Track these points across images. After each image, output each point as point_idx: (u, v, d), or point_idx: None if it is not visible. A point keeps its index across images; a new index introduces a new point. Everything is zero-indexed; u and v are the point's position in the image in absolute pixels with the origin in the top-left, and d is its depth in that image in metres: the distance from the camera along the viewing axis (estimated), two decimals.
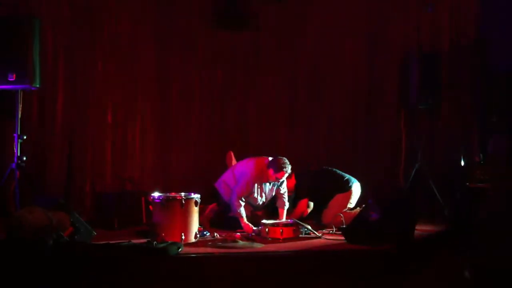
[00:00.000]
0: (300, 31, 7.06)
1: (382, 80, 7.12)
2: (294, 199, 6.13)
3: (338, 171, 6.13)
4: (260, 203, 5.80)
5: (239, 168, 5.83)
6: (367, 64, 7.13)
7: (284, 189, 5.80)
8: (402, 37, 7.05)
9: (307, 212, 6.05)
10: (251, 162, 5.76)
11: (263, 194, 5.74)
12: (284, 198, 5.80)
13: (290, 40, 7.05)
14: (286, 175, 5.58)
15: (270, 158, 5.66)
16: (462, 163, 6.22)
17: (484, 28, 6.99)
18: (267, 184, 5.72)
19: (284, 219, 5.68)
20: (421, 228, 5.57)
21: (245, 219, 5.50)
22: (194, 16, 6.77)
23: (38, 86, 5.42)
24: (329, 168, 6.21)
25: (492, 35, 6.90)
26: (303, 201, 6.01)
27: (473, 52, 7.03)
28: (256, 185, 5.63)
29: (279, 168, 5.48)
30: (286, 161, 5.54)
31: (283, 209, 5.76)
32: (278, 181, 5.65)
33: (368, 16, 7.12)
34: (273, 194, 5.80)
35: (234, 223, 5.56)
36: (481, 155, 6.36)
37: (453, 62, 7.05)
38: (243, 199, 5.59)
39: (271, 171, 5.53)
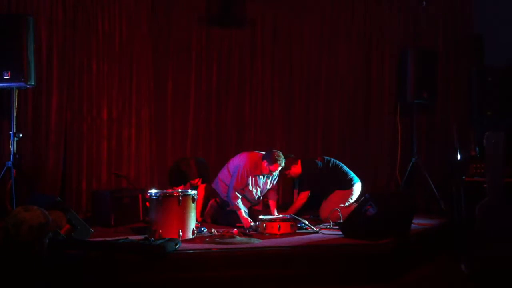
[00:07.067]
0: (296, 30, 7.07)
1: (378, 76, 7.13)
2: (298, 190, 6.14)
3: (344, 168, 6.09)
4: (256, 197, 5.82)
5: (233, 162, 5.87)
6: (364, 61, 7.14)
7: (275, 183, 5.89)
8: (398, 33, 7.07)
9: (306, 201, 6.05)
10: (244, 155, 5.83)
11: (258, 188, 5.76)
12: (276, 192, 5.91)
13: (286, 38, 7.05)
14: (280, 168, 5.60)
15: (263, 152, 5.72)
16: (458, 157, 6.24)
17: (480, 23, 7.03)
18: (261, 177, 5.74)
19: (276, 211, 5.76)
20: (418, 222, 5.61)
21: (243, 213, 5.52)
22: (190, 15, 6.78)
23: (33, 84, 5.40)
24: (336, 162, 6.14)
25: (487, 30, 6.93)
26: (305, 193, 6.01)
27: (469, 48, 7.06)
28: (250, 177, 5.65)
29: (273, 160, 5.52)
30: (281, 154, 5.59)
31: (274, 201, 5.85)
32: (272, 174, 5.67)
33: (365, 14, 7.12)
34: (268, 187, 5.83)
35: (232, 218, 5.58)
36: (477, 149, 6.38)
37: (449, 58, 7.08)
38: (239, 193, 5.62)
39: (265, 163, 5.57)
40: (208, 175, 6.11)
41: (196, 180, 5.94)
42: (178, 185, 5.92)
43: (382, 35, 7.11)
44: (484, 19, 6.93)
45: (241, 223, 5.47)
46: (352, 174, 6.06)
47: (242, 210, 5.55)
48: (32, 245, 3.62)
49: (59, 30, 6.04)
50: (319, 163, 6.12)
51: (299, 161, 6.08)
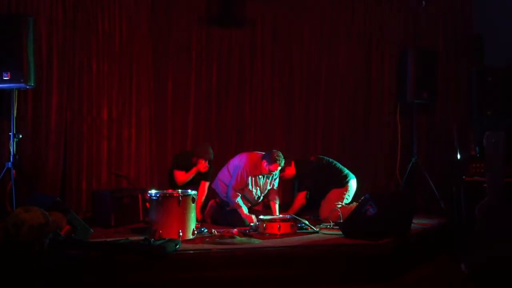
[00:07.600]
0: (296, 30, 7.07)
1: (378, 76, 7.12)
2: (296, 190, 6.13)
3: (338, 165, 6.12)
4: (256, 197, 5.83)
5: (233, 162, 5.89)
6: (364, 61, 7.14)
7: (277, 185, 5.88)
8: (398, 33, 7.07)
9: (304, 202, 6.05)
10: (244, 155, 5.85)
11: (258, 188, 5.76)
12: (277, 193, 5.89)
13: (286, 38, 7.06)
14: (279, 168, 5.61)
15: (263, 153, 5.73)
16: (458, 157, 6.24)
17: (480, 23, 7.03)
18: (261, 178, 5.74)
19: (278, 213, 5.74)
20: (418, 222, 5.61)
21: (244, 210, 5.52)
22: (190, 15, 6.78)
23: (33, 85, 5.38)
24: (330, 160, 6.18)
25: (487, 30, 6.94)
26: (302, 193, 6.02)
27: (469, 48, 7.06)
28: (250, 177, 5.65)
29: (273, 160, 5.53)
30: (280, 154, 5.61)
31: (275, 203, 5.83)
32: (271, 174, 5.67)
33: (365, 14, 7.12)
34: (268, 188, 5.82)
35: (232, 218, 5.58)
36: (477, 149, 6.39)
37: (449, 58, 7.08)
38: (239, 192, 5.62)
39: (264, 163, 5.58)
40: (211, 174, 6.11)
41: (203, 164, 5.91)
42: (181, 169, 5.92)
43: (382, 35, 7.11)
44: (484, 19, 6.93)
45: (242, 224, 5.45)
46: (346, 171, 6.07)
47: (243, 208, 5.55)
48: (32, 245, 3.62)
49: (59, 30, 6.02)
50: (313, 162, 6.14)
51: (293, 163, 6.09)
